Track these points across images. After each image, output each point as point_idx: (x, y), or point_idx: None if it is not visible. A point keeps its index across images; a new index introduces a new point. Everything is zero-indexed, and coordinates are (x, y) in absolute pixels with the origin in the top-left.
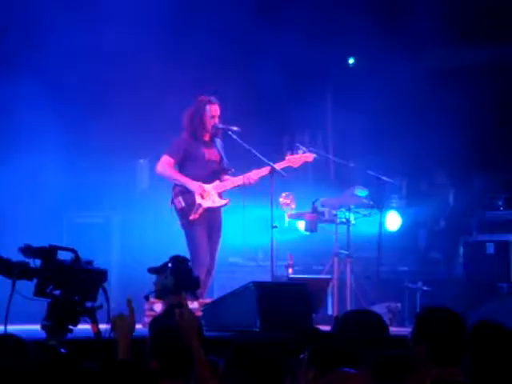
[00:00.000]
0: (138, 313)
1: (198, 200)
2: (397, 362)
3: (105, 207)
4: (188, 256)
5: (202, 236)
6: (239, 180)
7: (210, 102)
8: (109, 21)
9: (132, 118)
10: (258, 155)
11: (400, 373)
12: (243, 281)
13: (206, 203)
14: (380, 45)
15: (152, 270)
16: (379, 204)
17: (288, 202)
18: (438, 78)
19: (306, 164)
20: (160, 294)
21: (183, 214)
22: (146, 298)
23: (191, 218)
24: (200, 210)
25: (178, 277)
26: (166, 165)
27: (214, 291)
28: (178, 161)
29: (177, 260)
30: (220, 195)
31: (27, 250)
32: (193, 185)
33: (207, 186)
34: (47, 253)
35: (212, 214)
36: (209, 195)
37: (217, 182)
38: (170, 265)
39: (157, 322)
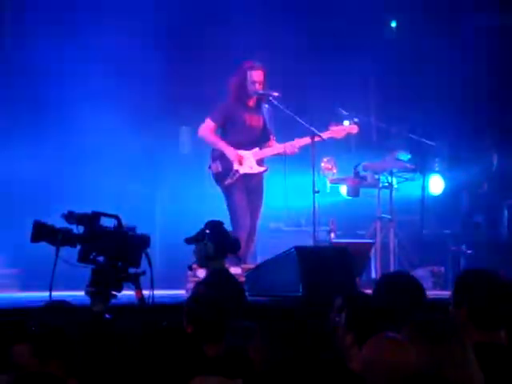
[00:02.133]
0: (181, 279)
1: (236, 166)
2: (439, 327)
3: (148, 174)
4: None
5: (241, 200)
6: (279, 148)
7: (252, 68)
8: None
9: (176, 85)
10: (301, 122)
11: (442, 337)
12: (285, 246)
13: (243, 169)
14: (422, 7)
15: (189, 240)
16: (422, 168)
17: (330, 166)
18: (481, 41)
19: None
20: (201, 261)
21: (219, 178)
22: (190, 268)
23: (227, 182)
24: (236, 176)
25: (217, 241)
26: (207, 128)
27: (257, 257)
28: (220, 125)
29: (213, 225)
30: (259, 162)
31: (70, 217)
32: (229, 151)
33: (245, 153)
34: (90, 219)
35: (252, 180)
36: (247, 161)
37: (256, 149)
38: (206, 231)
39: (198, 287)
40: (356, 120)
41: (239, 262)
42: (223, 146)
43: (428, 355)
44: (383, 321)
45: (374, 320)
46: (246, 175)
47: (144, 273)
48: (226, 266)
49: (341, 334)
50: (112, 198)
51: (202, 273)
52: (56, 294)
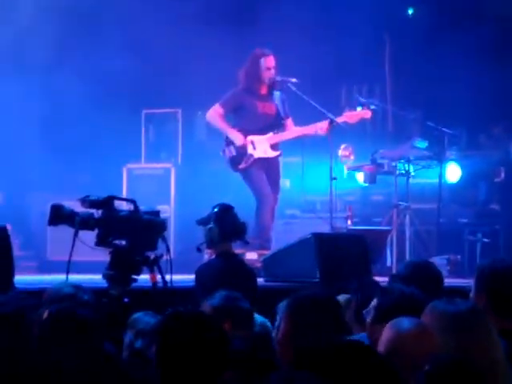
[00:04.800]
0: (199, 262)
1: (250, 150)
2: (464, 313)
3: (164, 158)
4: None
5: (260, 175)
6: (294, 132)
7: (264, 54)
8: None
9: (192, 72)
10: (318, 107)
11: (468, 324)
12: (301, 233)
13: (258, 153)
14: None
15: (200, 222)
16: (439, 155)
17: (347, 153)
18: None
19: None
20: (209, 243)
21: (234, 163)
22: (198, 249)
23: (241, 166)
24: (251, 160)
25: (222, 225)
26: (215, 113)
27: (272, 243)
28: (229, 111)
29: (220, 209)
30: (273, 146)
31: (86, 201)
32: (235, 136)
33: (259, 138)
34: (106, 203)
35: (267, 165)
36: (260, 146)
37: (270, 133)
38: (213, 214)
39: (201, 269)
40: (373, 107)
41: (247, 245)
42: (229, 131)
43: (453, 341)
44: (406, 308)
45: (399, 309)
46: (260, 159)
47: (161, 256)
48: (242, 250)
49: (368, 324)
50: (128, 183)
51: (209, 254)
52: (74, 276)
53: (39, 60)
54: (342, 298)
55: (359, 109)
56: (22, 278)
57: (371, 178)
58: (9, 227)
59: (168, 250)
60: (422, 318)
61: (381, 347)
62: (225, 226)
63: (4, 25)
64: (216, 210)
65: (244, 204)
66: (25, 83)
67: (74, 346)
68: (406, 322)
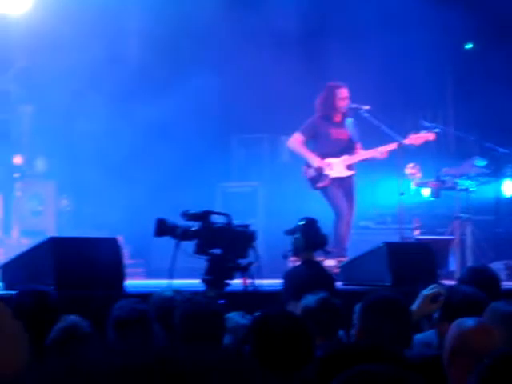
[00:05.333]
0: (283, 268)
1: (327, 171)
2: None
3: (252, 178)
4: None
5: (337, 192)
6: (367, 154)
7: (338, 87)
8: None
9: (278, 99)
10: (388, 131)
11: None
12: (374, 242)
13: (334, 173)
14: (496, 32)
15: (287, 232)
16: (496, 172)
17: (414, 171)
18: None
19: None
20: (295, 252)
21: (313, 182)
22: (284, 256)
23: (319, 185)
24: (327, 180)
25: (307, 236)
26: (295, 140)
27: (348, 251)
28: (308, 138)
29: (306, 221)
30: (348, 167)
31: (186, 215)
32: (313, 159)
33: (335, 160)
34: (203, 217)
35: (344, 183)
36: (336, 167)
37: (345, 156)
38: (300, 226)
39: (289, 273)
40: (436, 130)
41: (328, 255)
42: (308, 155)
43: None
44: (469, 307)
45: (465, 309)
46: (336, 179)
47: (252, 263)
48: (322, 258)
49: (437, 322)
50: (220, 200)
51: (295, 262)
52: (176, 281)
53: (134, 85)
54: None
55: (424, 132)
56: (131, 283)
57: (436, 193)
58: (120, 239)
59: (257, 257)
60: (483, 317)
61: (446, 344)
62: (310, 236)
63: (81, 52)
64: (302, 222)
65: (323, 217)
66: (120, 107)
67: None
68: (469, 321)
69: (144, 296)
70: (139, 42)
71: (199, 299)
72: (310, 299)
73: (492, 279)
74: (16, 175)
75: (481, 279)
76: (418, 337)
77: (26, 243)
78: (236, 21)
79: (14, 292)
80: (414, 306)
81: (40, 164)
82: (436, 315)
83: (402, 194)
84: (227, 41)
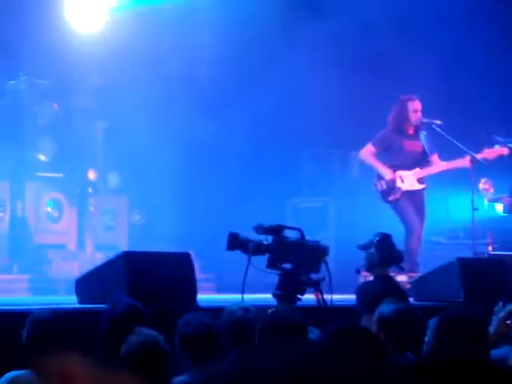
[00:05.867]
0: (353, 284)
1: (398, 184)
2: None
3: (323, 194)
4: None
5: (408, 206)
6: (440, 167)
7: (411, 99)
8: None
9: (343, 116)
10: (460, 146)
11: None
12: (446, 257)
13: (405, 186)
14: None
15: (360, 247)
16: None
17: (487, 187)
18: None
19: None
20: (368, 267)
21: (384, 195)
22: (357, 271)
23: (391, 198)
24: (399, 193)
25: (382, 252)
26: (367, 151)
27: (420, 266)
28: (380, 150)
29: (381, 236)
30: (420, 180)
31: (259, 229)
32: (384, 171)
33: (407, 173)
34: (276, 231)
35: (414, 197)
36: (408, 180)
37: (417, 169)
38: (375, 241)
39: (363, 287)
40: (510, 145)
41: (402, 271)
42: (379, 167)
43: None
44: None
45: None
46: (408, 192)
47: (324, 279)
48: (393, 273)
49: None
50: (291, 215)
51: (366, 276)
52: (248, 296)
53: (203, 100)
54: None
55: (497, 147)
56: (202, 297)
57: (509, 209)
58: (191, 253)
59: (328, 272)
60: None
61: None
62: (385, 252)
63: (153, 69)
64: (377, 237)
65: (394, 232)
66: (190, 123)
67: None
68: None
69: (215, 310)
70: (210, 59)
71: (281, 312)
72: (386, 308)
73: None
74: (90, 190)
75: None
76: (494, 352)
77: (99, 257)
78: (304, 35)
79: (88, 306)
80: (492, 328)
81: (113, 179)
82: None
83: (476, 209)
84: (297, 55)
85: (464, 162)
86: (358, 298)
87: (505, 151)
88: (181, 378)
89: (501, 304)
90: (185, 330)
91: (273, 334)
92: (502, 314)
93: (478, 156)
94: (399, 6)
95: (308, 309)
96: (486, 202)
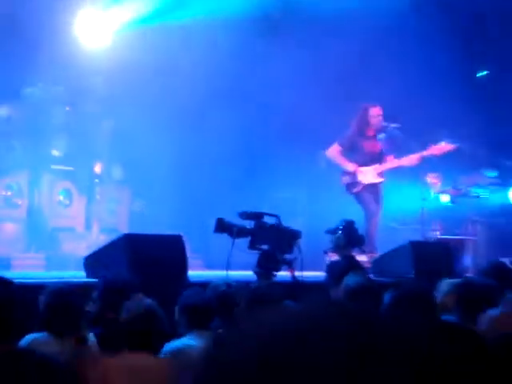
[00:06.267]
0: (321, 263)
1: (360, 178)
2: None
3: (295, 186)
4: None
5: (369, 198)
6: (395, 163)
7: (372, 106)
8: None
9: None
10: (413, 144)
11: None
12: (400, 241)
13: (366, 180)
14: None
15: (328, 231)
16: (503, 182)
17: (435, 180)
18: None
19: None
20: (335, 248)
21: (349, 188)
22: (325, 252)
23: (354, 190)
24: (360, 186)
25: (347, 236)
26: (333, 150)
27: (378, 248)
28: (345, 149)
29: (346, 223)
30: (379, 174)
31: (243, 215)
32: (348, 166)
33: (367, 168)
34: (257, 216)
35: (374, 189)
36: (368, 174)
37: (377, 165)
38: (340, 227)
39: (331, 265)
40: (454, 145)
41: (363, 252)
42: (344, 163)
43: None
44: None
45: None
46: (368, 185)
47: (296, 258)
48: (355, 254)
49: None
50: (270, 202)
51: (332, 257)
52: (232, 273)
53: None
54: None
55: (442, 143)
56: (192, 273)
57: (454, 199)
58: (183, 235)
59: (300, 252)
60: (500, 306)
61: None
62: (349, 236)
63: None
64: (343, 223)
65: (356, 218)
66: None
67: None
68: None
69: (203, 285)
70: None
71: (262, 288)
72: (351, 279)
73: (505, 271)
74: (96, 181)
75: (495, 271)
76: None
77: (103, 239)
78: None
79: (95, 280)
80: (437, 300)
81: (116, 172)
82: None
83: (424, 199)
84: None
85: (411, 160)
86: (328, 274)
87: (449, 147)
88: (176, 342)
89: (445, 280)
90: (186, 301)
91: (256, 305)
92: (445, 288)
93: (425, 153)
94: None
95: (283, 284)
96: (432, 194)
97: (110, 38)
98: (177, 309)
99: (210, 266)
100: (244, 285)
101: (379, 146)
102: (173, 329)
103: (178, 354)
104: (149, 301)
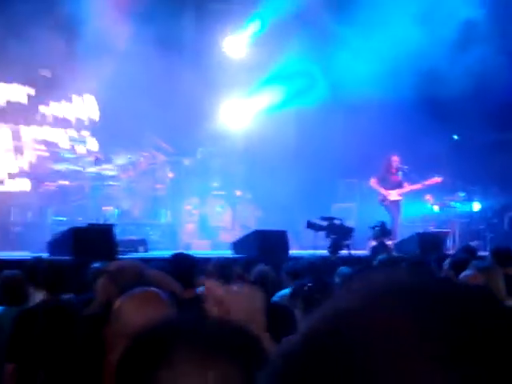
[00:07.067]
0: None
1: (388, 197)
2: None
3: (349, 199)
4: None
5: (393, 208)
6: (407, 189)
7: (393, 155)
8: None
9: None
10: (417, 178)
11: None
12: (410, 233)
13: (391, 198)
14: None
15: (370, 227)
16: (469, 199)
17: (430, 198)
18: None
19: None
20: (374, 238)
21: (382, 202)
22: (368, 239)
23: (385, 204)
24: (388, 201)
25: (381, 230)
26: (373, 181)
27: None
28: (379, 180)
29: (380, 222)
30: (399, 195)
31: (322, 218)
32: (381, 190)
33: (392, 191)
34: (330, 219)
35: (396, 203)
36: (393, 194)
37: (397, 189)
38: (377, 225)
39: (372, 247)
40: (442, 178)
41: (390, 240)
42: (379, 188)
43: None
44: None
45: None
46: (393, 201)
47: (351, 243)
48: (384, 241)
49: None
50: (334, 210)
51: (373, 243)
52: (315, 251)
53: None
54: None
55: (435, 177)
56: (291, 252)
57: (441, 209)
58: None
59: (348, 246)
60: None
61: None
62: (382, 230)
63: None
64: (379, 223)
65: (385, 220)
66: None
67: None
68: None
69: (297, 258)
70: None
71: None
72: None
73: (474, 250)
74: (237, 199)
75: (468, 249)
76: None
77: (241, 232)
78: None
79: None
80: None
81: (248, 194)
82: None
83: (422, 209)
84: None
85: (417, 187)
86: (370, 253)
87: (438, 180)
88: (284, 291)
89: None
90: (288, 267)
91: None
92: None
93: (426, 183)
94: None
95: (343, 258)
96: (428, 206)
97: (251, 120)
98: (283, 272)
99: (302, 248)
100: (320, 258)
101: (399, 178)
102: (280, 284)
103: (285, 297)
104: (267, 267)
